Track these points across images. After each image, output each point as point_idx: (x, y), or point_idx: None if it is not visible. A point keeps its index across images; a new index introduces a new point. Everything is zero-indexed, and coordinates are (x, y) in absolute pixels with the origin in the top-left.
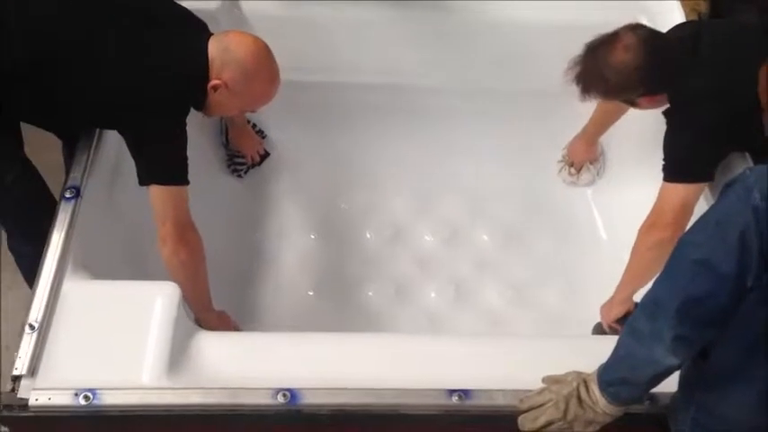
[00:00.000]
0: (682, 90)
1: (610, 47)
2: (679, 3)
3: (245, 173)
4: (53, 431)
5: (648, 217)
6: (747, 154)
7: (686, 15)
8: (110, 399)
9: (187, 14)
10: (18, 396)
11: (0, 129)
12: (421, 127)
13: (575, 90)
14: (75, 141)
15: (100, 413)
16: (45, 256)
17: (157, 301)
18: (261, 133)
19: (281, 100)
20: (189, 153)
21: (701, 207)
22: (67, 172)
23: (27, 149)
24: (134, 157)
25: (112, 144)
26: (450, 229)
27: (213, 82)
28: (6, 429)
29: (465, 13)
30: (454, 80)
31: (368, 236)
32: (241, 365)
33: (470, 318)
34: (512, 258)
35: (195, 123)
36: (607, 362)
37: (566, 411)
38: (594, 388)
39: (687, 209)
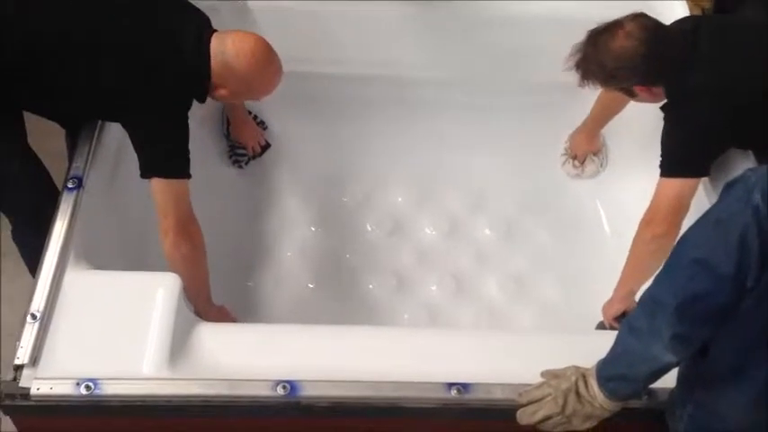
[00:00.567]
0: (679, 85)
1: (611, 33)
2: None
3: (246, 164)
4: (54, 420)
5: (646, 212)
6: (751, 152)
7: (690, 11)
8: (111, 389)
9: (189, 7)
10: (20, 385)
11: (3, 119)
12: (422, 119)
13: (574, 76)
14: (78, 130)
15: (101, 403)
16: (47, 245)
17: (159, 291)
18: (262, 124)
19: (282, 91)
20: (189, 144)
21: (702, 203)
22: (70, 161)
23: (30, 137)
24: (136, 150)
25: (115, 134)
26: (451, 221)
27: (219, 91)
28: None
29: (466, 6)
30: (456, 73)
31: (368, 228)
32: (241, 357)
33: (471, 311)
34: (513, 251)
35: (196, 115)
36: (606, 357)
37: (564, 406)
38: (593, 383)
39: (683, 204)
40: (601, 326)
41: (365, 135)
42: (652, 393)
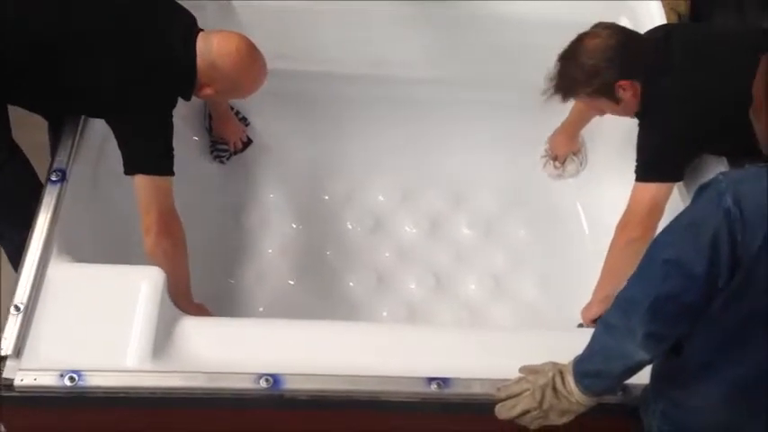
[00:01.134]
0: (652, 91)
1: (579, 41)
2: (659, 2)
3: (228, 159)
4: (38, 411)
5: (622, 217)
6: (725, 158)
7: (666, 14)
8: (95, 380)
9: (177, 7)
10: (3, 376)
11: None
12: (404, 118)
13: (557, 99)
14: (62, 123)
15: (85, 394)
16: (31, 238)
17: (142, 284)
18: (244, 120)
19: (265, 88)
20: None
21: (677, 206)
22: (53, 154)
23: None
24: (120, 147)
25: (99, 127)
26: (432, 220)
27: (205, 91)
28: None
29: (453, 5)
30: (438, 72)
31: (349, 226)
32: (225, 350)
33: (450, 308)
34: (493, 250)
35: (179, 111)
36: (582, 354)
37: (541, 401)
38: (570, 379)
39: (657, 208)
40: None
41: (347, 133)
42: (627, 389)
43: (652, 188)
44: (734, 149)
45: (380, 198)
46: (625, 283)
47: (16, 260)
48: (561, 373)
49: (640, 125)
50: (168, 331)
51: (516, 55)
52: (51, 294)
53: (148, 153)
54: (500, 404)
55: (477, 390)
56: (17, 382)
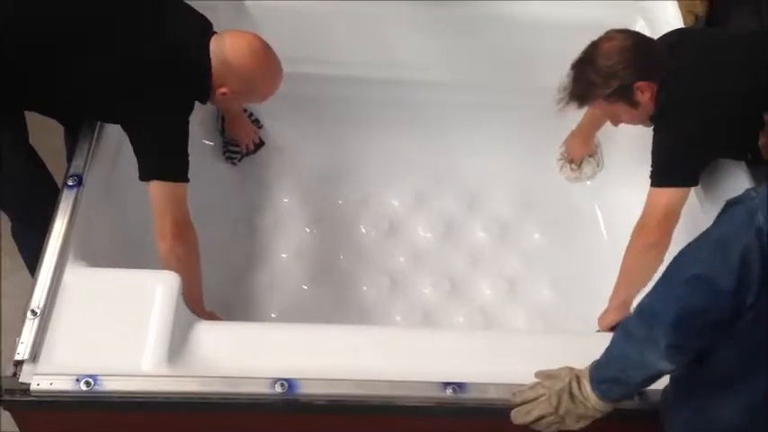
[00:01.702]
0: (667, 96)
1: (594, 46)
2: (676, 3)
3: (239, 161)
4: (54, 416)
5: (638, 222)
6: (743, 162)
7: (683, 16)
8: (110, 385)
9: (190, 9)
10: (20, 381)
11: (5, 117)
12: (418, 121)
13: (572, 107)
14: (78, 128)
15: (100, 399)
16: (47, 243)
17: (158, 289)
18: (257, 122)
19: (279, 90)
20: None
21: (694, 211)
22: (69, 159)
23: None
24: (136, 153)
25: (114, 133)
26: (446, 223)
27: (220, 90)
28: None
29: (464, 8)
30: (452, 75)
31: (363, 230)
32: (240, 355)
33: (465, 312)
34: (507, 254)
35: (193, 115)
36: (600, 360)
37: (558, 406)
38: (586, 384)
39: (673, 212)
40: None
41: (361, 136)
42: (644, 395)
43: (667, 193)
44: (750, 153)
45: (395, 202)
46: (642, 288)
47: (33, 265)
48: (578, 378)
49: (655, 129)
50: (183, 335)
51: (533, 58)
52: (67, 299)
53: (164, 159)
54: (516, 409)
55: (492, 394)
56: (33, 387)
